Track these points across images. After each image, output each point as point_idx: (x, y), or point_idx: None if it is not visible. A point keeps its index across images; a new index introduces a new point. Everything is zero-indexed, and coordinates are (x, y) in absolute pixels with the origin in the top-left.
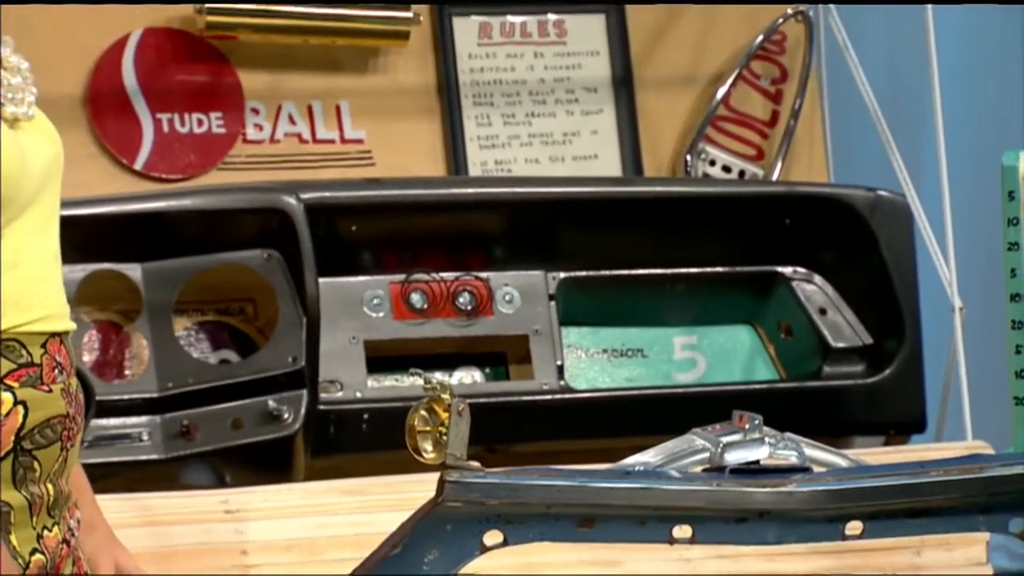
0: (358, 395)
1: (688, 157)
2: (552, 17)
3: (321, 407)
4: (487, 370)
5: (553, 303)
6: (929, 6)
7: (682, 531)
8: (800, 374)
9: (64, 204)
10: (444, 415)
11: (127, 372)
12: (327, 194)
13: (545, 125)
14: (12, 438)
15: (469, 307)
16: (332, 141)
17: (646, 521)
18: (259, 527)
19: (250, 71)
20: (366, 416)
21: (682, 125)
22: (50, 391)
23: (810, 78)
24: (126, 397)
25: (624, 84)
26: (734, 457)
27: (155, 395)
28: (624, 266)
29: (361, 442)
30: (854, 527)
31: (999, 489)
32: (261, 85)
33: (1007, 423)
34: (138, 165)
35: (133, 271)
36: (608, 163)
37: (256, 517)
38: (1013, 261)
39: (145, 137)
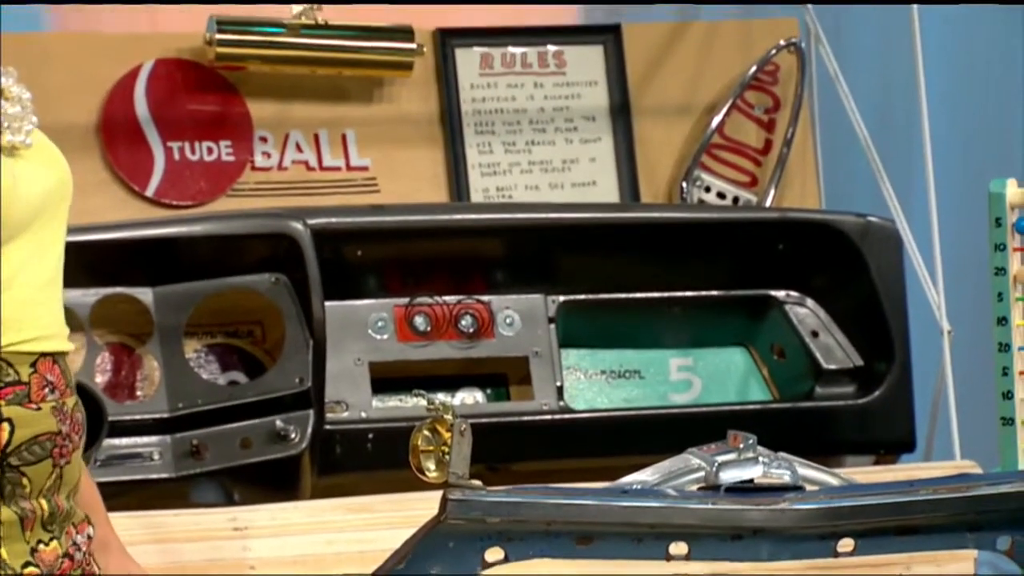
0: (363, 415)
1: (684, 184)
2: (552, 48)
3: (327, 427)
4: (488, 391)
5: (553, 326)
6: (918, 36)
7: (678, 548)
8: (793, 395)
9: (78, 230)
10: (447, 435)
11: (139, 393)
12: (333, 220)
13: (545, 153)
14: None
15: (471, 330)
16: (338, 168)
17: (643, 538)
18: (267, 544)
19: (258, 101)
20: (371, 436)
21: (678, 153)
22: (39, 409)
23: (802, 107)
24: (138, 417)
25: (621, 113)
26: (729, 476)
27: (166, 415)
28: (622, 290)
29: (366, 461)
30: (846, 544)
31: (987, 507)
32: (269, 114)
33: (994, 443)
34: (149, 192)
35: (145, 295)
36: (606, 190)
37: (264, 534)
38: (1000, 286)
39: (156, 165)
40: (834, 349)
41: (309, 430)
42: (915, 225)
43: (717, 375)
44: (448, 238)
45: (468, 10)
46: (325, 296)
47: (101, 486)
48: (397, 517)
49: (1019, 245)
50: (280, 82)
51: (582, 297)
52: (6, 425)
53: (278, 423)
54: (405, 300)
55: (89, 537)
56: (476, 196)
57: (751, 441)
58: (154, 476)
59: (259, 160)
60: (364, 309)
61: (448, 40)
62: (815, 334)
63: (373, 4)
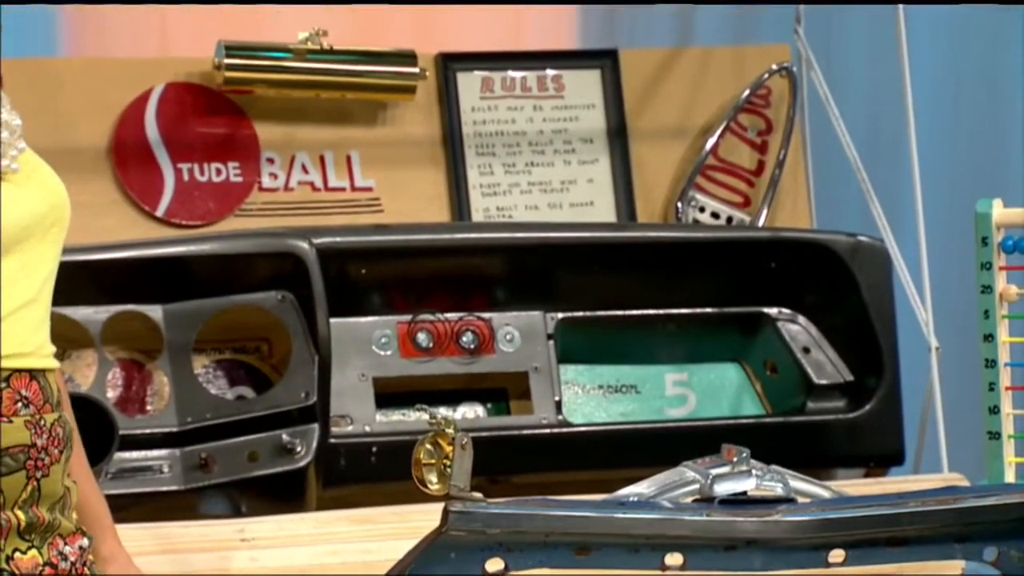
0: (367, 429)
1: (679, 204)
2: (551, 73)
3: (332, 440)
4: (489, 405)
5: (551, 342)
6: (906, 60)
7: (674, 559)
8: (785, 410)
9: (90, 249)
10: (448, 448)
11: (149, 407)
12: (338, 239)
13: (544, 174)
14: None
15: (472, 346)
16: (343, 189)
17: (639, 549)
18: (273, 555)
19: (265, 123)
20: (375, 449)
21: (673, 174)
22: (10, 422)
23: (794, 130)
24: (148, 431)
25: (618, 135)
26: (723, 488)
27: (175, 429)
28: (619, 307)
29: (370, 474)
30: (837, 555)
31: (974, 519)
32: (276, 136)
33: (981, 456)
34: (160, 212)
35: (155, 312)
36: (603, 210)
37: (270, 545)
38: (986, 303)
39: (166, 185)
40: (825, 365)
41: (314, 444)
42: (903, 244)
43: (711, 390)
44: (450, 257)
45: (469, 35)
46: (330, 313)
47: (112, 498)
48: (400, 528)
49: (1005, 264)
50: (286, 105)
51: (580, 314)
52: None
53: (284, 437)
54: (408, 317)
55: (81, 548)
56: (477, 216)
57: (744, 454)
58: (164, 488)
59: (266, 181)
60: (368, 326)
61: (450, 64)
62: (807, 350)
63: (383, 26)
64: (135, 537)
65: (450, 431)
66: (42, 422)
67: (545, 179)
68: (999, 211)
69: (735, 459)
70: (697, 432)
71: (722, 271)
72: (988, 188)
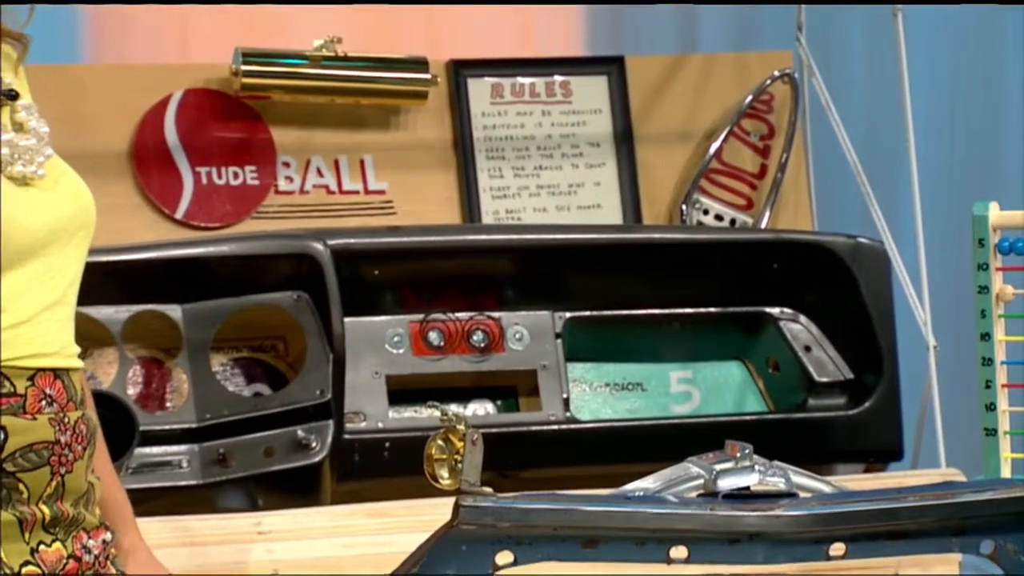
0: (380, 425)
1: (684, 207)
2: (558, 78)
3: (346, 436)
4: (499, 402)
5: (560, 341)
6: (905, 67)
7: (678, 552)
8: (787, 406)
9: (111, 250)
10: (459, 444)
11: (168, 404)
12: (352, 241)
13: (552, 177)
14: None
15: (482, 344)
16: (357, 192)
17: (645, 542)
18: (289, 547)
19: (282, 128)
20: (388, 445)
21: (678, 177)
22: (34, 419)
23: (795, 134)
24: (167, 427)
25: (624, 140)
26: (726, 483)
27: (194, 425)
28: (625, 306)
29: (383, 469)
30: (837, 548)
31: (971, 513)
32: (292, 141)
33: (978, 452)
34: (179, 214)
35: (174, 312)
36: (610, 212)
37: (286, 538)
38: (983, 303)
39: (185, 188)
40: (826, 363)
41: (329, 439)
42: (902, 245)
43: (715, 387)
44: (461, 258)
45: (480, 43)
46: (344, 313)
47: (132, 492)
48: (412, 522)
49: (1001, 265)
50: (302, 111)
51: (587, 314)
52: (0, 433)
53: (300, 433)
54: (420, 316)
55: (105, 542)
56: (487, 218)
57: (748, 450)
58: (182, 483)
59: (282, 184)
60: (381, 325)
61: (461, 71)
62: (808, 349)
63: (396, 33)
64: (155, 530)
65: (461, 427)
66: (66, 420)
67: (553, 182)
68: (995, 213)
69: (738, 455)
70: (701, 428)
71: (725, 272)
72: (984, 191)
